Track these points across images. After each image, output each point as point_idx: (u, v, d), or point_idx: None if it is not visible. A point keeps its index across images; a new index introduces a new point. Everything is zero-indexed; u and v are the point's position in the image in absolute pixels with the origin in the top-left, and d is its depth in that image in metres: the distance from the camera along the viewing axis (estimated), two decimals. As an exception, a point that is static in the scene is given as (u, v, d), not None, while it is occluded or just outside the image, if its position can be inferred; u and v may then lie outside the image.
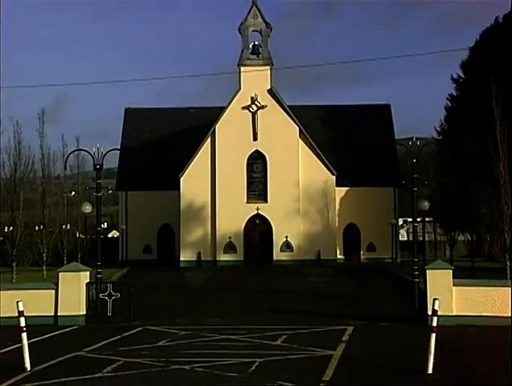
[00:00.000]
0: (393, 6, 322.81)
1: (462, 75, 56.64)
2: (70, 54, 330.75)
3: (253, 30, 55.53)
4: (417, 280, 26.86)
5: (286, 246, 54.33)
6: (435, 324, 14.49)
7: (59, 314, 22.82)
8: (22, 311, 15.23)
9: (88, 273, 23.83)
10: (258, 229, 54.78)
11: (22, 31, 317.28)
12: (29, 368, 14.82)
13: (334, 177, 55.25)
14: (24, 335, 15.00)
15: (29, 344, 15.17)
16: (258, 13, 55.33)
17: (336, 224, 55.94)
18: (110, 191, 58.61)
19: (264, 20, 55.33)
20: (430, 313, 16.02)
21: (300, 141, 54.98)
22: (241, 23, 55.34)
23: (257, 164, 55.11)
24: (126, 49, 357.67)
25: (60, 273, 23.39)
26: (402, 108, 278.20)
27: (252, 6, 55.39)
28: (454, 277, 22.20)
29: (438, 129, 61.33)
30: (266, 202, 54.52)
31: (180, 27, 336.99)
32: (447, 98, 59.27)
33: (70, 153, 36.73)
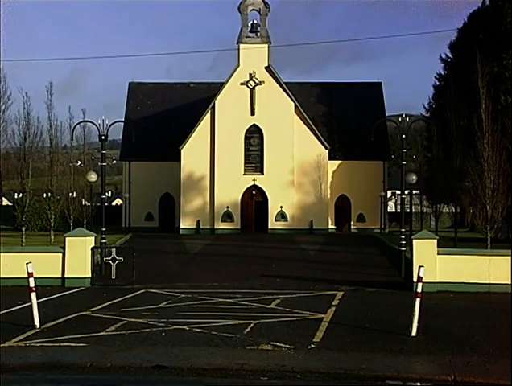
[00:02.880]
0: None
1: (450, 56, 56.47)
2: (85, 30, 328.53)
3: (252, 10, 55.06)
4: (404, 249, 27.03)
5: (281, 216, 54.44)
6: (419, 290, 14.61)
7: (66, 276, 22.94)
8: (32, 273, 15.30)
9: (93, 238, 23.92)
10: (255, 199, 54.83)
11: (40, 8, 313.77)
12: (38, 326, 14.94)
13: (327, 151, 55.21)
14: (33, 295, 15.09)
15: (38, 303, 15.27)
16: (257, -8, 54.80)
17: (329, 196, 56.02)
18: (114, 162, 58.66)
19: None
20: (415, 279, 16.15)
21: (295, 117, 54.82)
22: (241, 2, 54.84)
23: (254, 138, 55.00)
24: (140, 25, 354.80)
25: (67, 238, 23.47)
26: (399, 86, 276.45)
27: (251, -14, 54.88)
28: (438, 246, 22.34)
29: (426, 106, 61.32)
30: (263, 174, 54.51)
31: (192, 6, 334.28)
32: (435, 77, 59.22)
33: (76, 125, 36.34)
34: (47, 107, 44.71)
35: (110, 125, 28.18)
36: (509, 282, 21.02)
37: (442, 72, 57.93)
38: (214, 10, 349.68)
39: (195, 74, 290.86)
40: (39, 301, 15.87)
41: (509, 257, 21.63)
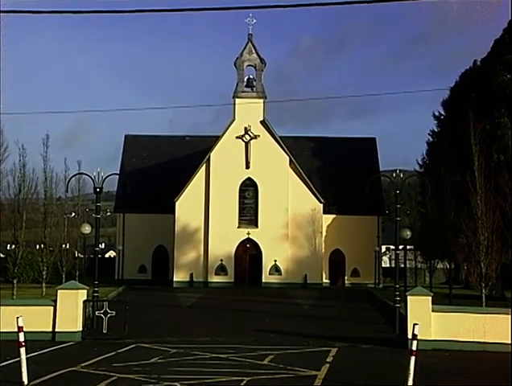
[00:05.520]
0: (396, 46, 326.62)
1: (443, 113, 57.21)
2: (89, 84, 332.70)
3: (248, 65, 55.92)
4: (398, 305, 26.82)
5: (275, 269, 54.21)
6: (414, 348, 14.40)
7: (56, 330, 22.56)
8: (22, 327, 15.04)
9: (85, 291, 23.66)
10: (249, 253, 54.68)
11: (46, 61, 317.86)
12: (26, 382, 14.61)
13: (321, 205, 55.37)
14: (23, 350, 14.80)
15: (27, 359, 14.96)
16: (253, 49, 55.76)
17: (323, 250, 55.92)
18: (109, 213, 58.62)
19: (259, 55, 55.72)
20: (410, 337, 15.96)
21: (290, 170, 55.14)
22: (237, 58, 55.72)
23: (249, 191, 55.19)
24: (146, 79, 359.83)
25: (59, 291, 23.17)
26: (395, 141, 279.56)
27: (248, 43, 55.86)
28: (433, 303, 22.16)
29: (420, 162, 61.84)
30: (257, 227, 54.49)
31: (195, 62, 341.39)
32: (429, 134, 59.93)
33: (71, 177, 36.55)
34: (42, 159, 44.84)
35: (105, 178, 28.14)
36: (509, 342, 20.67)
37: (435, 129, 58.63)
38: (217, 65, 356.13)
39: (197, 126, 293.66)
40: (29, 356, 15.59)
41: (506, 315, 21.42)
